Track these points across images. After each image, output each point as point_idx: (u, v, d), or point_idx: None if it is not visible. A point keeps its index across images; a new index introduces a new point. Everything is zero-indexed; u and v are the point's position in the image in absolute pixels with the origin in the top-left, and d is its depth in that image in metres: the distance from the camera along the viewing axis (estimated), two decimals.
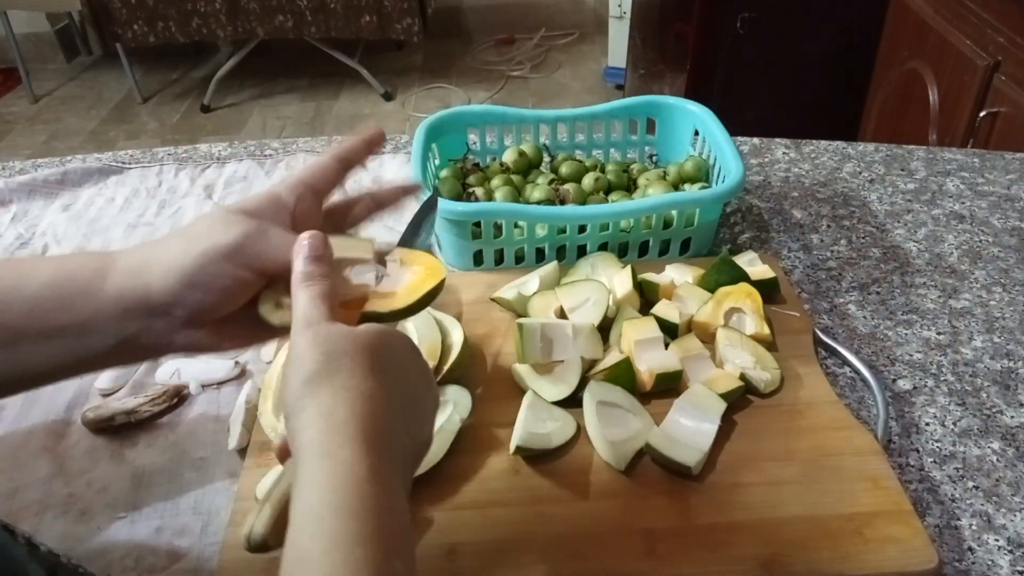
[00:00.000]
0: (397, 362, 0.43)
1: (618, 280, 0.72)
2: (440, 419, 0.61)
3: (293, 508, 0.36)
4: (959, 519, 0.57)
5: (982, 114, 1.41)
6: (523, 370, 0.65)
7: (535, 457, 0.60)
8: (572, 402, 0.62)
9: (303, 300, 0.43)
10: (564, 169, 0.89)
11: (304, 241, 0.45)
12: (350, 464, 0.36)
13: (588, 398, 0.61)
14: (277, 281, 0.47)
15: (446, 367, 0.65)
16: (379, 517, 0.35)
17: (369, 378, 0.40)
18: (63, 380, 0.49)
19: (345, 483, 0.36)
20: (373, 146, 0.53)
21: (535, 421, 0.60)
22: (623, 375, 0.63)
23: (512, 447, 0.59)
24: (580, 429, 0.61)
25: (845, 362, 0.70)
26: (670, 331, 0.69)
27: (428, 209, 0.56)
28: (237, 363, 0.71)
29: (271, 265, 0.45)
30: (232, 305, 0.46)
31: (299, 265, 0.44)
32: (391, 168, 1.02)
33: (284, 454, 0.44)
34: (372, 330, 0.43)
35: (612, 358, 0.65)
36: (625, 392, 0.63)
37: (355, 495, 0.35)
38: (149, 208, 0.97)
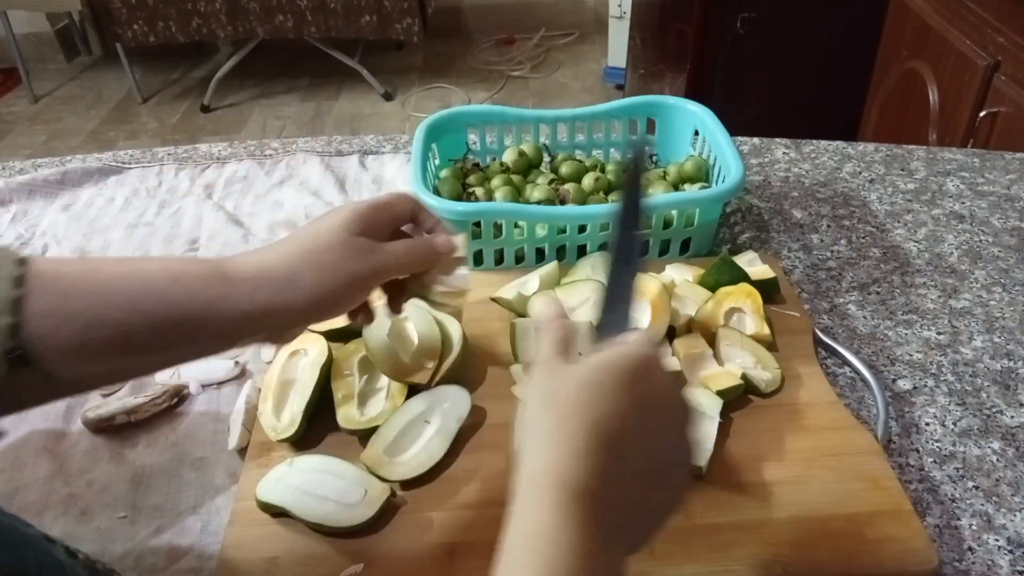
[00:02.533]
0: (640, 404, 0.38)
1: None
2: (438, 420, 0.61)
3: (506, 541, 0.36)
4: (959, 519, 0.57)
5: (982, 114, 1.41)
6: (517, 371, 0.65)
7: None
8: None
9: (540, 345, 0.43)
10: (564, 169, 0.89)
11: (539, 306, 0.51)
12: (559, 531, 0.34)
13: None
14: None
15: (445, 367, 0.65)
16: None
17: (596, 431, 0.36)
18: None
19: (550, 552, 0.34)
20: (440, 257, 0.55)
21: None
22: None
23: (515, 444, 0.59)
24: None
25: (845, 362, 0.70)
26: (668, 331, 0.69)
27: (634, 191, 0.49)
28: (237, 363, 0.71)
29: (395, 278, 0.55)
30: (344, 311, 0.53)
31: (544, 320, 0.45)
32: (391, 168, 1.02)
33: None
34: (594, 370, 0.38)
35: None
36: None
37: (566, 558, 0.34)
38: (149, 208, 0.97)
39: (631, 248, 0.47)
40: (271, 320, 0.48)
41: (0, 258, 0.42)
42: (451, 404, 0.62)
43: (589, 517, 0.35)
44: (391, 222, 0.53)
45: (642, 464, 0.38)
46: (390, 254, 0.51)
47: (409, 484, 0.58)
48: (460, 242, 0.55)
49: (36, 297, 0.41)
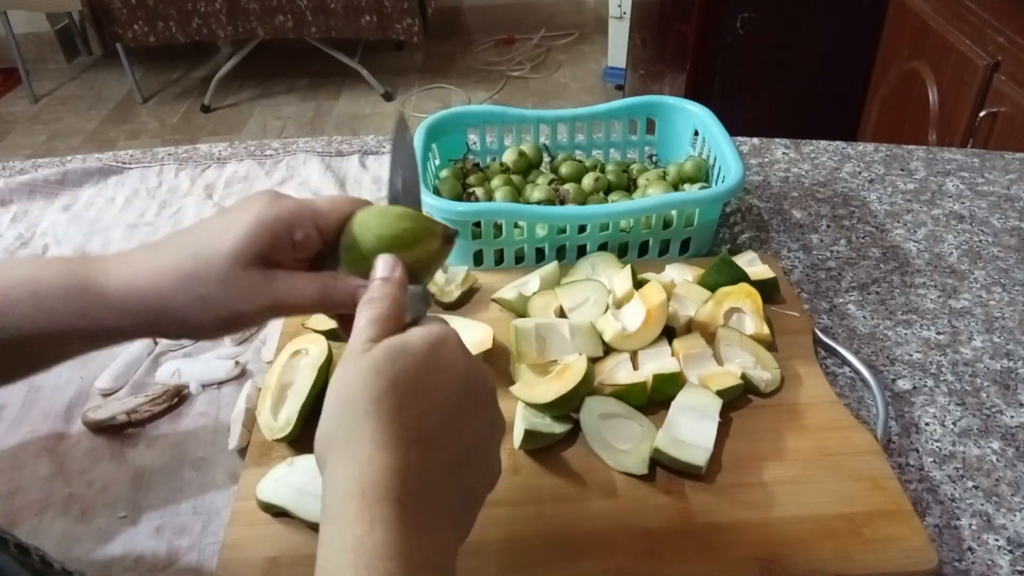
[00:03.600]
0: (435, 389, 0.37)
1: (618, 280, 0.72)
2: None
3: (318, 564, 0.34)
4: (959, 519, 0.57)
5: (982, 114, 1.42)
6: (518, 371, 0.65)
7: (537, 452, 0.60)
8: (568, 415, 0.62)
9: (356, 326, 0.39)
10: (564, 169, 0.89)
11: (379, 262, 0.42)
12: (365, 540, 0.32)
13: (587, 416, 0.61)
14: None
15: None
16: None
17: (391, 426, 0.35)
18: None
19: (362, 561, 0.32)
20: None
21: (532, 418, 0.60)
22: (636, 396, 0.63)
23: (516, 442, 0.59)
24: (577, 426, 0.61)
25: (845, 362, 0.70)
26: (668, 331, 0.69)
27: (400, 144, 0.48)
28: (237, 363, 0.71)
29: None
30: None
31: (371, 289, 0.41)
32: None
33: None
34: (400, 356, 0.37)
35: (617, 365, 0.65)
36: (617, 400, 0.62)
37: (377, 559, 0.32)
38: (149, 208, 0.97)
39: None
40: (147, 334, 0.44)
41: None
42: None
43: (401, 517, 0.33)
44: (304, 243, 0.44)
45: (453, 449, 0.36)
46: (289, 292, 0.43)
47: None
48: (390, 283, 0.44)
49: None
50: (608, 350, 0.67)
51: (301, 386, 0.64)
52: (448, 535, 0.36)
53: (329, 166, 1.03)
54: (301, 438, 0.62)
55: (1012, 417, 0.65)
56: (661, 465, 0.58)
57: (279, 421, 0.62)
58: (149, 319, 0.42)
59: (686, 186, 0.88)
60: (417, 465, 0.35)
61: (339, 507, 0.34)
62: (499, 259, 0.81)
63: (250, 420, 0.64)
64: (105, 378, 0.70)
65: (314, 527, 0.55)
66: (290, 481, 0.57)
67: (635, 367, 0.66)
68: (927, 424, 0.65)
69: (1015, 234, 0.87)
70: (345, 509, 0.33)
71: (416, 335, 0.38)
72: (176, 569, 0.55)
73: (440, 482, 0.35)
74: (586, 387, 0.60)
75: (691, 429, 0.59)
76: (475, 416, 0.38)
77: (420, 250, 0.45)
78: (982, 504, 0.58)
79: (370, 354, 0.37)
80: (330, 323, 0.70)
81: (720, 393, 0.62)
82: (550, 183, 0.86)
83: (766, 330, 0.69)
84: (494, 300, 0.74)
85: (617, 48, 2.99)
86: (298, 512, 0.55)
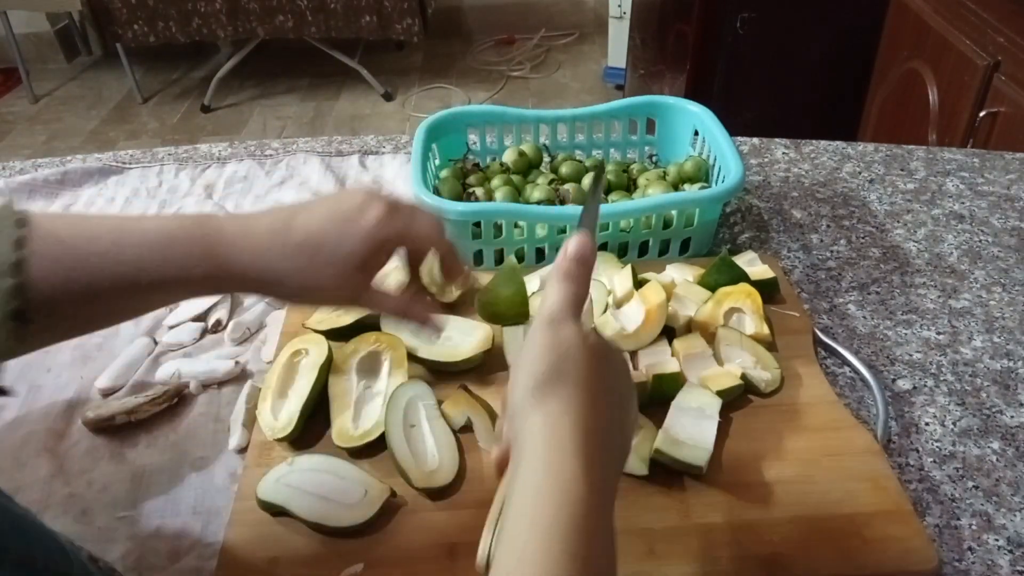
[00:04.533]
0: (615, 373, 0.44)
1: (618, 280, 0.72)
2: (422, 418, 0.62)
3: (510, 507, 0.38)
4: (959, 519, 0.57)
5: (982, 114, 1.41)
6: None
7: None
8: None
9: (554, 295, 0.45)
10: (564, 169, 0.89)
11: (576, 239, 0.46)
12: (570, 483, 0.37)
13: None
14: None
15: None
16: (590, 538, 0.36)
17: (594, 389, 0.41)
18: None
19: (564, 501, 0.37)
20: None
21: None
22: (637, 395, 0.62)
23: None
24: None
25: (845, 362, 0.70)
26: (668, 332, 0.69)
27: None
28: (237, 363, 0.71)
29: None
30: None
31: (563, 259, 0.46)
32: (391, 168, 1.02)
33: (502, 466, 0.45)
34: (601, 339, 0.44)
35: None
36: None
37: (570, 506, 0.36)
38: (149, 208, 0.97)
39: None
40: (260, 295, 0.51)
41: (1, 221, 0.43)
42: (416, 396, 0.63)
43: (599, 458, 0.39)
44: (406, 252, 0.54)
45: (621, 410, 0.44)
46: (375, 301, 0.53)
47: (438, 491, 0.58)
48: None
49: (38, 260, 0.43)
50: None
51: (302, 386, 0.64)
52: (612, 470, 0.42)
53: (329, 166, 1.03)
54: (302, 437, 0.62)
55: (1012, 417, 0.65)
56: (661, 465, 0.58)
57: (280, 421, 0.62)
58: (260, 289, 0.50)
59: (686, 186, 0.88)
60: (607, 425, 0.42)
61: (543, 449, 0.39)
62: (499, 259, 0.81)
63: (250, 420, 0.64)
64: (105, 378, 0.70)
65: (313, 527, 0.55)
66: (290, 480, 0.57)
67: (635, 367, 0.66)
68: (927, 424, 0.65)
69: (1015, 234, 0.87)
70: (551, 452, 0.39)
71: (609, 339, 0.48)
72: (176, 569, 0.55)
73: (615, 445, 0.43)
74: None
75: (691, 429, 0.59)
76: (633, 403, 0.46)
77: None
78: (982, 504, 0.58)
79: (591, 336, 0.44)
80: (330, 323, 0.70)
81: (720, 393, 0.62)
82: (550, 183, 0.86)
83: (766, 330, 0.69)
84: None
85: (617, 48, 2.99)
86: (297, 511, 0.55)
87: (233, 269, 0.48)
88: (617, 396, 0.44)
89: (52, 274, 0.43)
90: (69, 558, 0.45)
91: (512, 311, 0.68)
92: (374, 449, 0.61)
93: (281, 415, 0.62)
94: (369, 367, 0.67)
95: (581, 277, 0.46)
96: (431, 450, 0.60)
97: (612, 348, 0.45)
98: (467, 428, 0.62)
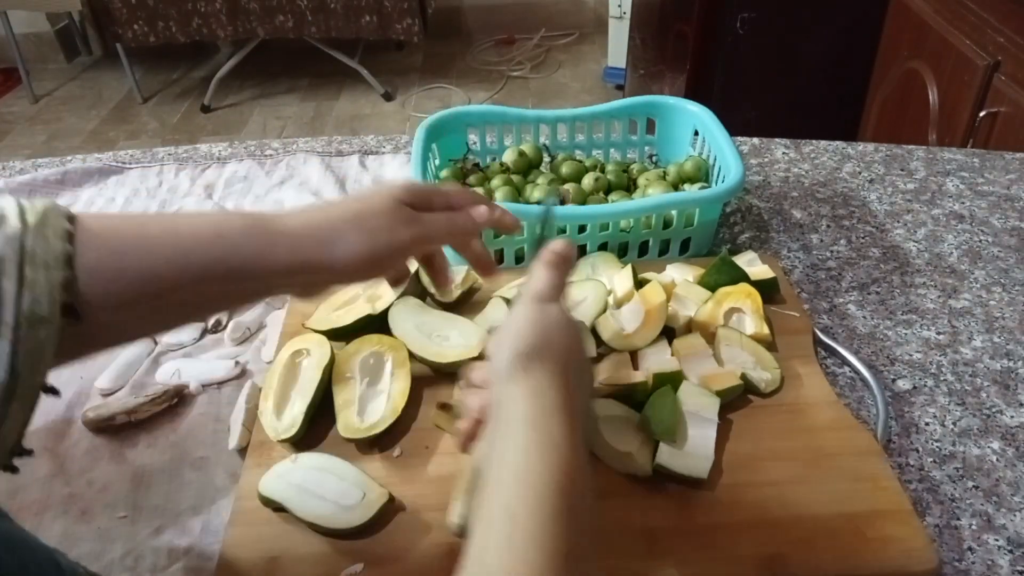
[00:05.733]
0: (581, 348, 0.49)
1: (619, 280, 0.72)
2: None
3: (495, 467, 0.40)
4: (959, 519, 0.57)
5: (982, 114, 1.41)
6: None
7: None
8: None
9: (541, 278, 0.50)
10: (564, 169, 0.89)
11: (561, 242, 0.53)
12: (558, 438, 0.41)
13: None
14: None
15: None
16: (574, 484, 0.39)
17: (572, 362, 0.46)
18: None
19: (553, 454, 0.40)
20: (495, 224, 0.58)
21: None
22: (636, 396, 0.62)
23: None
24: None
25: (845, 362, 0.70)
26: (668, 332, 0.69)
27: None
28: (237, 363, 0.71)
29: (432, 249, 0.58)
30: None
31: (550, 251, 0.51)
32: (391, 168, 1.02)
33: (469, 438, 0.50)
34: (573, 317, 0.50)
35: (617, 365, 0.65)
36: (617, 402, 0.62)
37: (560, 466, 0.39)
38: (150, 208, 0.97)
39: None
40: (309, 276, 0.49)
41: (50, 214, 0.42)
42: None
43: (581, 445, 0.43)
44: (441, 203, 0.54)
45: (587, 384, 0.51)
46: (431, 225, 0.53)
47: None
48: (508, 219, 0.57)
49: (86, 253, 0.42)
50: (606, 350, 0.68)
51: (306, 387, 0.64)
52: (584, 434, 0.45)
53: (329, 166, 1.03)
54: (303, 439, 0.62)
55: (1012, 417, 0.65)
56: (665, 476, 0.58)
57: (284, 422, 0.62)
58: (320, 254, 0.48)
59: (686, 186, 0.88)
60: (578, 391, 0.46)
61: (532, 412, 0.43)
62: (499, 259, 0.81)
63: (250, 420, 0.64)
64: (105, 378, 0.70)
65: (312, 527, 0.55)
66: (292, 478, 0.57)
67: (635, 367, 0.66)
68: (927, 424, 0.65)
69: (1015, 234, 0.87)
70: (539, 415, 0.42)
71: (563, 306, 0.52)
72: (176, 569, 0.55)
73: (582, 406, 0.47)
74: None
75: (691, 436, 0.59)
76: (590, 368, 0.53)
77: None
78: (982, 504, 0.58)
79: (570, 315, 0.49)
80: (330, 323, 0.70)
81: (720, 393, 0.62)
82: (550, 183, 0.86)
83: (766, 330, 0.69)
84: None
85: (617, 48, 2.99)
86: (297, 509, 0.55)
87: (285, 234, 0.48)
88: (581, 359, 0.49)
89: (102, 266, 0.43)
90: (64, 575, 0.45)
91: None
92: (376, 447, 0.61)
93: (285, 416, 0.62)
94: (371, 367, 0.67)
95: (564, 269, 0.51)
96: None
97: (578, 324, 0.51)
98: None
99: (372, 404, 0.64)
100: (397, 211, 0.51)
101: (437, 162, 0.90)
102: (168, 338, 0.75)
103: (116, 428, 0.66)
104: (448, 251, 0.60)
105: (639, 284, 0.72)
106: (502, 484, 0.39)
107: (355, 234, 0.49)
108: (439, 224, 0.53)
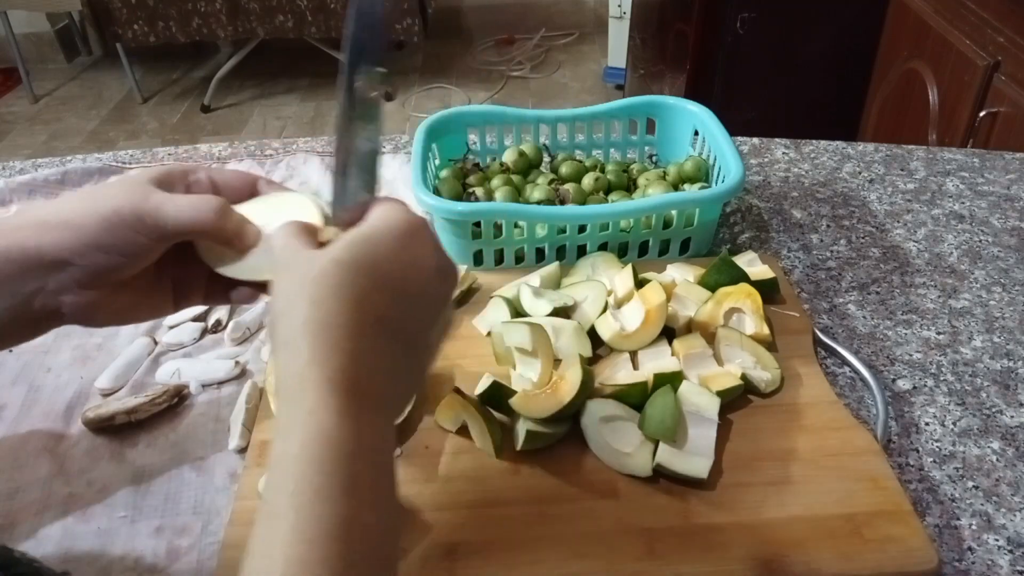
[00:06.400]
0: (383, 273, 0.38)
1: (619, 280, 0.72)
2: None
3: (270, 456, 0.35)
4: (959, 519, 0.57)
5: (982, 114, 1.42)
6: (513, 375, 0.65)
7: (537, 452, 0.60)
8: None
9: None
10: (564, 169, 0.89)
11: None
12: (314, 412, 0.34)
13: (588, 420, 0.60)
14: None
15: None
16: (349, 466, 0.33)
17: (336, 305, 0.37)
18: None
19: (309, 433, 0.34)
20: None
21: (533, 420, 0.60)
22: (637, 396, 0.62)
23: (518, 444, 0.59)
24: (577, 426, 0.61)
25: (845, 362, 0.70)
26: (668, 332, 0.69)
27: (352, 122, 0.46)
28: (237, 363, 0.71)
29: (173, 229, 0.45)
30: (129, 269, 0.46)
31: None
32: (391, 168, 1.02)
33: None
34: (345, 246, 0.39)
35: (617, 365, 0.65)
36: (617, 402, 0.62)
37: (320, 445, 0.34)
38: None
39: (366, 89, 0.44)
40: (23, 274, 0.43)
41: None
42: None
43: (356, 406, 0.35)
44: (203, 184, 0.48)
45: (405, 334, 0.39)
46: (165, 200, 0.45)
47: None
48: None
49: None
50: (606, 350, 0.68)
51: None
52: (389, 411, 0.39)
53: (329, 166, 1.03)
54: None
55: (1012, 417, 0.65)
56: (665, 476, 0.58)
57: None
58: (47, 235, 0.43)
59: (686, 186, 0.88)
60: (378, 351, 0.37)
61: (285, 382, 0.36)
62: (499, 259, 0.81)
63: (250, 420, 0.65)
64: (105, 378, 0.70)
65: None
66: None
67: (635, 367, 0.66)
68: (927, 424, 0.65)
69: (1015, 234, 0.87)
70: (292, 384, 0.36)
71: (382, 226, 0.40)
72: (176, 569, 0.55)
73: (393, 364, 0.38)
74: (584, 396, 0.60)
75: (691, 436, 0.59)
76: (431, 301, 0.41)
77: None
78: (982, 504, 0.58)
79: (338, 242, 0.39)
80: None
81: (720, 393, 0.62)
82: (550, 183, 0.86)
83: (766, 330, 0.69)
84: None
85: (617, 48, 2.99)
86: None
87: (11, 229, 0.43)
88: (386, 290, 0.38)
89: None
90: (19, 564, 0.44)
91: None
92: None
93: None
94: None
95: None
96: None
97: (370, 242, 0.38)
98: (464, 430, 0.62)
99: None
100: (126, 182, 0.45)
101: (437, 162, 0.90)
102: (168, 338, 0.75)
103: (116, 428, 0.66)
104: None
105: (639, 284, 0.72)
106: (268, 471, 0.36)
107: (74, 203, 0.44)
108: (177, 203, 0.45)
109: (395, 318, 0.38)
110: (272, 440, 0.36)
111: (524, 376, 0.64)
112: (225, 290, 0.51)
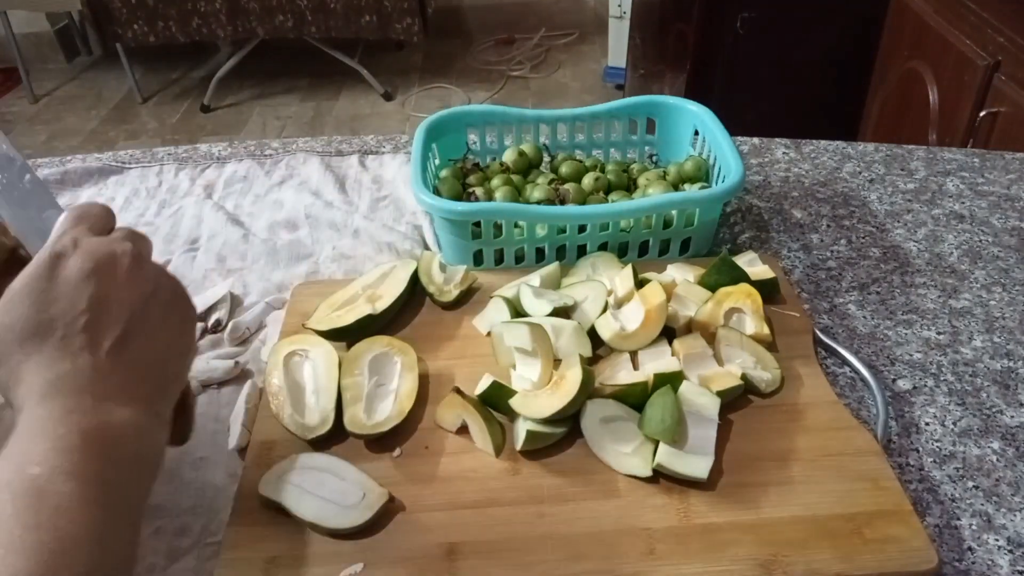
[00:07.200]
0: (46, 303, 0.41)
1: (620, 280, 0.72)
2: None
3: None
4: (959, 519, 0.57)
5: (982, 114, 1.42)
6: (514, 376, 0.65)
7: (537, 452, 0.60)
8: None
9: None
10: (564, 169, 0.89)
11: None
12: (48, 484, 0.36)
13: (589, 421, 0.60)
14: None
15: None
16: (61, 543, 0.34)
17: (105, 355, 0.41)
18: None
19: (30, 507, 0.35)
20: None
21: (533, 420, 0.60)
22: (637, 396, 0.62)
23: (518, 444, 0.59)
24: (577, 426, 0.61)
25: (845, 362, 0.70)
26: (668, 332, 0.69)
27: None
28: (237, 363, 0.71)
29: None
30: None
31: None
32: (391, 168, 1.02)
33: None
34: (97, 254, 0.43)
35: (617, 365, 0.65)
36: (617, 402, 0.62)
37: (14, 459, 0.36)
38: (149, 208, 0.97)
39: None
40: None
41: None
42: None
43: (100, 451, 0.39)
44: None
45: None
46: None
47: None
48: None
49: None
50: (606, 350, 0.68)
51: (326, 385, 0.64)
52: (145, 395, 0.43)
53: (329, 166, 1.03)
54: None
55: (1012, 417, 0.65)
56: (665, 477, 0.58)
57: (312, 420, 0.62)
58: None
59: (686, 186, 0.88)
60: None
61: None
62: (499, 259, 0.81)
63: (250, 420, 0.64)
64: None
65: (312, 527, 0.55)
66: (292, 478, 0.57)
67: (635, 367, 0.66)
68: (927, 424, 0.65)
69: (1015, 234, 0.87)
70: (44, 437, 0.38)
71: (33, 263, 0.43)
72: (176, 569, 0.55)
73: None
74: (584, 395, 0.60)
75: (691, 436, 0.59)
76: (168, 315, 0.47)
77: None
78: (982, 504, 0.58)
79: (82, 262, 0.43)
80: (331, 323, 0.70)
81: (720, 393, 0.62)
82: (550, 183, 0.86)
83: (766, 330, 0.69)
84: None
85: (617, 48, 2.99)
86: (296, 509, 0.55)
87: None
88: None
89: None
90: None
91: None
92: (376, 446, 0.61)
93: (310, 416, 0.62)
94: (380, 367, 0.66)
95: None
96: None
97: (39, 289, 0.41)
98: (464, 430, 0.62)
99: (380, 404, 0.64)
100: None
101: (437, 162, 0.90)
102: None
103: None
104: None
105: (639, 284, 0.72)
106: None
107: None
108: None
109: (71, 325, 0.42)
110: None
111: (524, 376, 0.64)
112: None
